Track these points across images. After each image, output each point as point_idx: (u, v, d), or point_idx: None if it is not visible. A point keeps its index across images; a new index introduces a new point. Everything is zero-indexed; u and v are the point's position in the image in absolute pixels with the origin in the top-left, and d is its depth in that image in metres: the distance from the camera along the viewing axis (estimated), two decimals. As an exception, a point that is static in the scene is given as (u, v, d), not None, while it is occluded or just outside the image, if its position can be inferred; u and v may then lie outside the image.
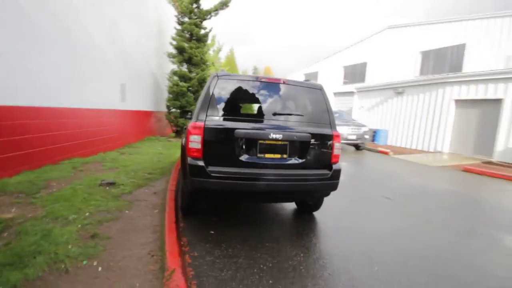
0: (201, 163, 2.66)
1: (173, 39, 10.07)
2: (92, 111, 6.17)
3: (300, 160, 2.92)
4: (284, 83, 3.02)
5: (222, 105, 2.83)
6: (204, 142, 2.70)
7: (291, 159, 2.90)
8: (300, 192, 2.99)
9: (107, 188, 4.10)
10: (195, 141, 2.70)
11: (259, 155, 2.81)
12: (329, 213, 3.84)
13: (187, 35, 10.19)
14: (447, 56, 15.96)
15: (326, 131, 3.06)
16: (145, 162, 6.19)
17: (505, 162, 10.04)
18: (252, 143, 2.79)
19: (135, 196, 3.92)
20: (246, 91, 2.92)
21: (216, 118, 2.78)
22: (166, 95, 10.79)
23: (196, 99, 10.57)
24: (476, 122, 11.76)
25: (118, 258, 2.25)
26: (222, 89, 2.84)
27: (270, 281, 2.17)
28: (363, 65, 20.68)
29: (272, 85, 2.99)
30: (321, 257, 2.64)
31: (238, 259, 2.48)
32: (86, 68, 5.95)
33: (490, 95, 11.12)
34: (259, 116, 2.90)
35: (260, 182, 2.71)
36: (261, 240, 2.90)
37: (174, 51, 10.22)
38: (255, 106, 2.94)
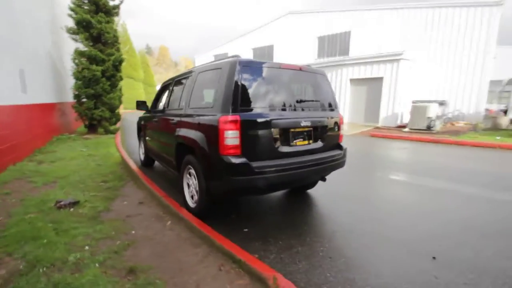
0: (243, 160, 2.44)
1: (72, 9, 7.92)
2: (-15, 110, 4.34)
3: (321, 144, 3.07)
4: (300, 69, 3.02)
5: (249, 94, 2.60)
6: (242, 137, 2.46)
7: (314, 144, 3.01)
8: (323, 174, 3.17)
9: (71, 209, 3.15)
10: (233, 137, 2.43)
11: (291, 143, 2.79)
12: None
13: (92, 6, 8.21)
14: (338, 41, 18.88)
15: (335, 114, 3.29)
16: (82, 169, 4.96)
17: (387, 126, 13.17)
18: (286, 132, 2.73)
19: (119, 212, 3.19)
20: (269, 78, 2.77)
21: (248, 110, 2.55)
22: (69, 81, 8.60)
23: (112, 85, 8.90)
24: (365, 96, 14.70)
25: (191, 286, 1.88)
26: (246, 77, 2.59)
27: (343, 259, 2.32)
28: (270, 48, 21.98)
29: (291, 72, 2.94)
30: (353, 229, 2.92)
31: (297, 248, 2.48)
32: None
33: (374, 74, 14.06)
34: (285, 104, 2.83)
35: (298, 170, 2.73)
36: (293, 226, 2.95)
37: (75, 26, 8.10)
38: (280, 94, 2.83)
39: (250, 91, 2.60)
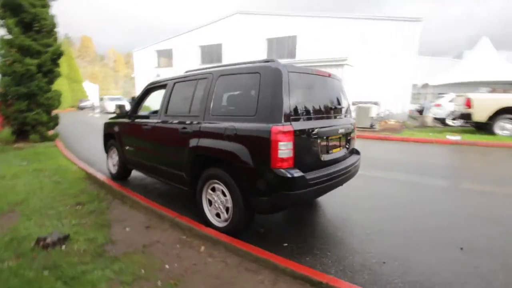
0: (298, 173, 2.28)
1: (-8, -14, 6.24)
2: None
3: (346, 151, 3.11)
4: (329, 76, 2.99)
5: (294, 102, 2.44)
6: (295, 148, 2.30)
7: (343, 151, 3.03)
8: (349, 179, 3.22)
9: (63, 247, 2.47)
10: (286, 149, 2.25)
11: (329, 151, 2.74)
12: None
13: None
14: (285, 44, 19.66)
15: (353, 120, 3.38)
16: (38, 189, 4.01)
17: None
18: (326, 141, 2.67)
19: (128, 242, 2.64)
20: (307, 85, 2.66)
21: (296, 118, 2.40)
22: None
23: (49, 82, 7.40)
24: (315, 98, 15.69)
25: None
26: (292, 84, 2.42)
27: (396, 262, 2.38)
28: (219, 46, 21.53)
29: (322, 79, 2.89)
30: (381, 229, 3.05)
31: (349, 258, 2.44)
32: None
33: (323, 77, 15.11)
34: (322, 111, 2.76)
35: (339, 178, 2.70)
36: (328, 234, 2.92)
37: (-3, 7, 6.40)
38: (317, 101, 2.74)
39: (295, 98, 2.45)
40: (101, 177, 4.45)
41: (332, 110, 2.90)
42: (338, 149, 2.92)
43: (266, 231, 2.99)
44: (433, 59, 27.25)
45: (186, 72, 3.59)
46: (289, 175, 2.23)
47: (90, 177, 4.58)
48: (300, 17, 18.43)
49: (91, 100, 31.30)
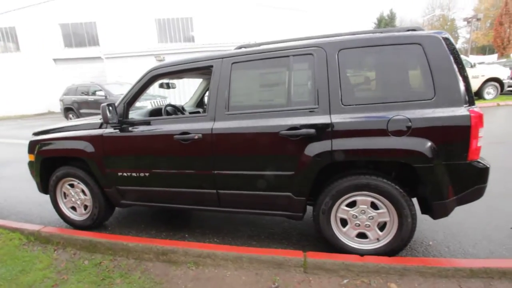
0: (486, 161, 1.98)
1: None
2: None
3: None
4: None
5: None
6: (476, 134, 1.98)
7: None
8: None
9: None
10: (481, 136, 1.91)
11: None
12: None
13: None
14: (180, 26, 17.76)
15: None
16: None
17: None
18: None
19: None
20: None
21: None
22: None
23: None
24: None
25: None
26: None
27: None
28: (91, 25, 17.00)
29: None
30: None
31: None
32: None
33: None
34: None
35: None
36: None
37: None
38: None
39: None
40: (75, 232, 2.58)
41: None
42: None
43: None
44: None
45: (239, 47, 2.45)
46: (486, 166, 1.91)
47: (41, 238, 2.57)
48: (194, -4, 16.98)
49: None
